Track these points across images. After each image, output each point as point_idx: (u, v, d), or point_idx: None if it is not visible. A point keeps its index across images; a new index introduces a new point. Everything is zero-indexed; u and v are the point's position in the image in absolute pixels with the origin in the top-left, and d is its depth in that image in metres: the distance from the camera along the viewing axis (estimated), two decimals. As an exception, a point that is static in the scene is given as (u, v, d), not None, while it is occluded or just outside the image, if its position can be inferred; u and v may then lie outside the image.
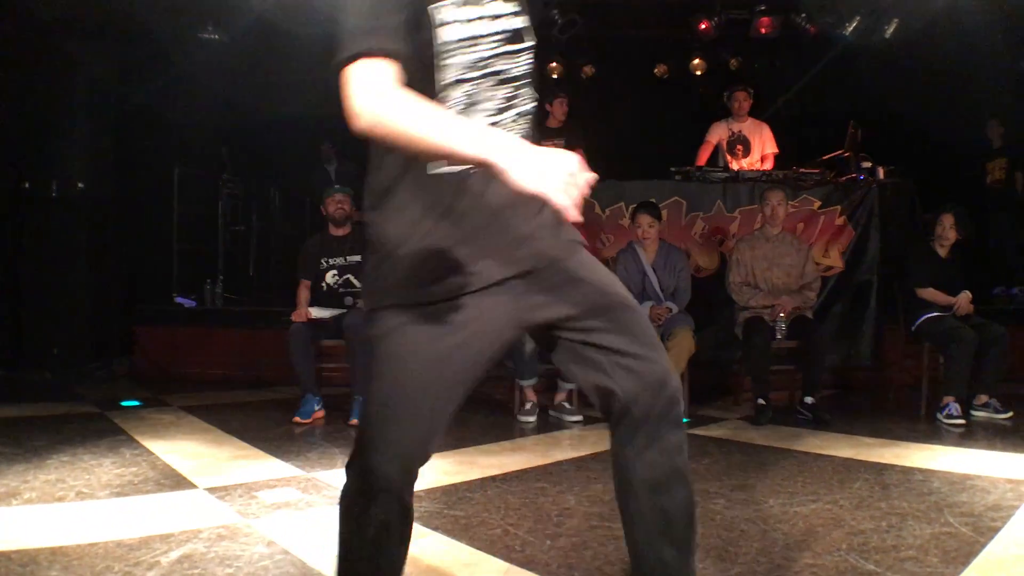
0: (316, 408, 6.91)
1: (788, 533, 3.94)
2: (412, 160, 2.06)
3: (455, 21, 2.03)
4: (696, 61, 12.36)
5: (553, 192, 1.73)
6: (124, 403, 7.45)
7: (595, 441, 6.19)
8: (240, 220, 11.59)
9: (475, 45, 2.06)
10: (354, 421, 6.72)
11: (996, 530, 3.88)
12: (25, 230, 9.44)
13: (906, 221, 8.52)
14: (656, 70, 12.69)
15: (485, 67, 2.09)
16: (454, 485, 4.82)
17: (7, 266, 9.36)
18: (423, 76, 2.01)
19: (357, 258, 7.17)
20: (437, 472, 5.08)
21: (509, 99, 2.17)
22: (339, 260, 7.15)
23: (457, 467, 5.26)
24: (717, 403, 7.82)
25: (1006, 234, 10.49)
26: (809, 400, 6.86)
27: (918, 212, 8.57)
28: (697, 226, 8.53)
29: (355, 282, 7.19)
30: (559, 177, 1.74)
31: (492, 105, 2.13)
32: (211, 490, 4.61)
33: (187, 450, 5.63)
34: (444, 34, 2.02)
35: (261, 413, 7.21)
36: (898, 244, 8.21)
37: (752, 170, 8.96)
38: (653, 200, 7.68)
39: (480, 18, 2.07)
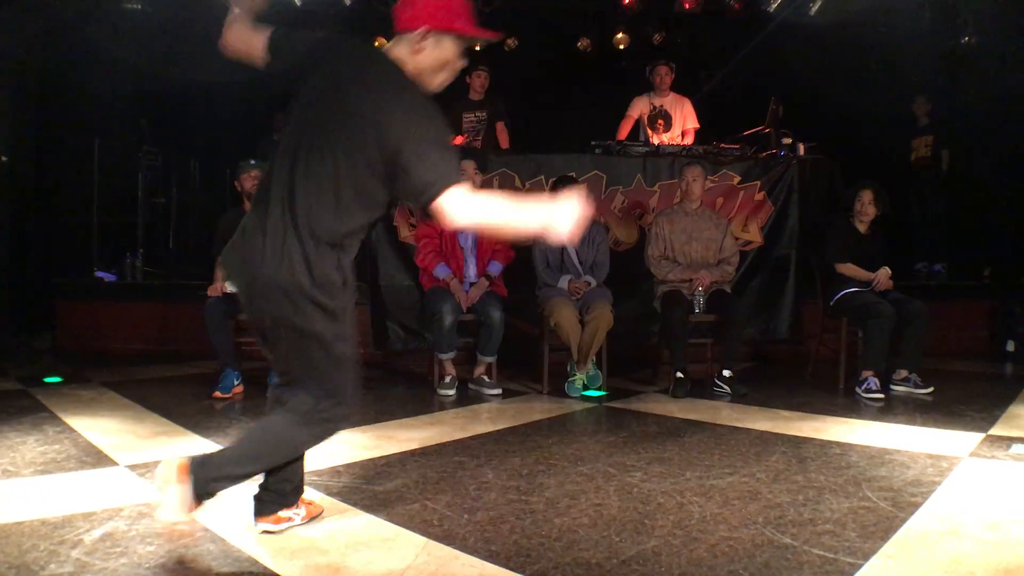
0: (236, 383, 6.75)
1: (704, 506, 3.89)
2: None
3: None
4: (619, 35, 12.33)
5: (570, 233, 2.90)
6: (46, 379, 7.26)
7: (513, 414, 6.14)
8: (160, 192, 11.29)
9: None
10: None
11: (916, 505, 3.85)
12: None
13: (825, 197, 8.52)
14: (579, 43, 12.61)
15: None
16: (372, 460, 4.78)
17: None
18: None
19: None
20: (356, 447, 5.04)
21: None
22: None
23: (376, 441, 5.22)
24: (635, 376, 7.77)
25: (929, 210, 10.56)
26: (727, 373, 6.85)
27: (838, 188, 8.57)
28: (617, 200, 8.45)
29: None
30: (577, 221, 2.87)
31: None
32: (132, 467, 4.54)
33: (108, 427, 5.51)
34: None
35: (181, 388, 7.05)
36: (817, 219, 8.22)
37: (672, 144, 8.92)
38: (572, 174, 7.64)
39: None
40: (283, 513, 3.49)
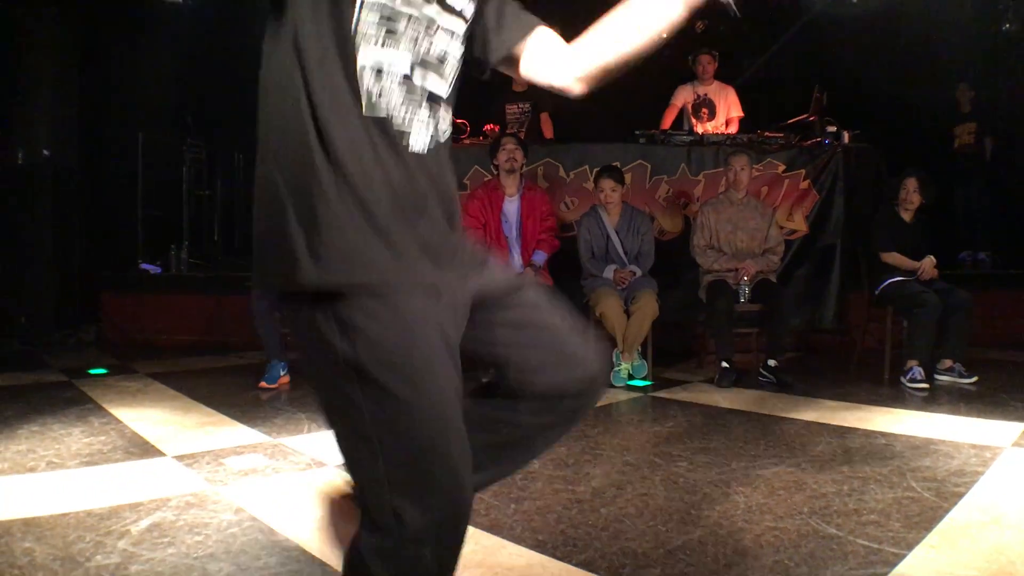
0: (282, 373, 6.84)
1: (750, 496, 3.92)
2: None
3: None
4: (662, 23, 12.25)
5: None
6: (92, 371, 7.37)
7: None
8: (205, 185, 11.40)
9: None
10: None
11: (960, 496, 3.86)
12: (-9, 199, 9.30)
13: (871, 185, 8.49)
14: (622, 32, 12.57)
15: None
16: None
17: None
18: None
19: None
20: None
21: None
22: None
23: None
24: (681, 366, 7.80)
25: (974, 199, 10.49)
26: (772, 363, 6.85)
27: (883, 176, 8.54)
28: (661, 189, 8.47)
29: None
30: None
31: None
32: (179, 458, 4.59)
33: (154, 418, 5.59)
34: None
35: (227, 379, 7.14)
36: (863, 208, 8.19)
37: (717, 134, 8.91)
38: (616, 164, 7.63)
39: None
40: None
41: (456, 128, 8.56)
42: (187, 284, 9.70)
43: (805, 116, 9.07)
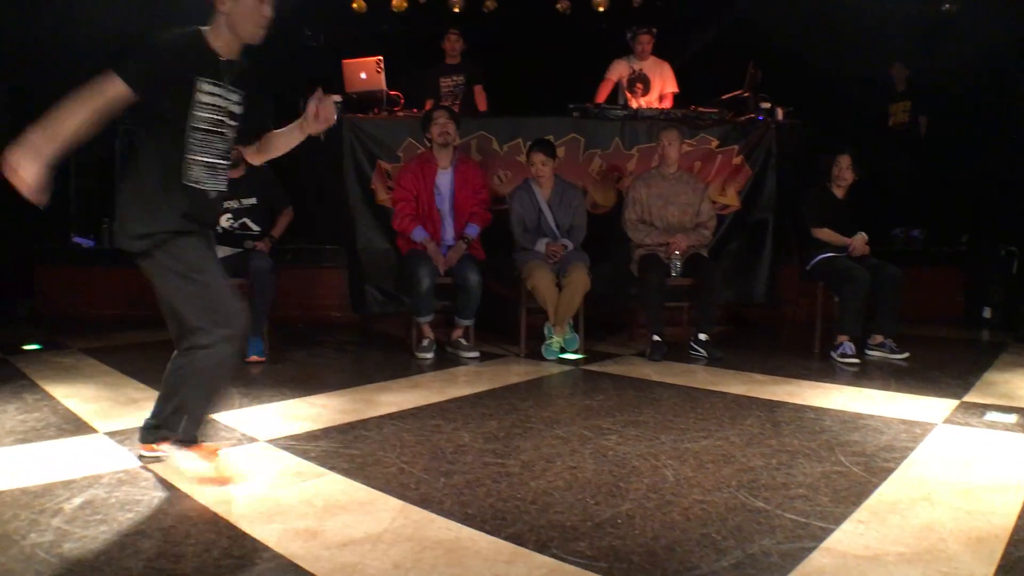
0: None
1: (679, 470, 3.91)
2: None
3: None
4: (599, -3, 12.22)
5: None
6: (25, 347, 7.23)
7: (491, 377, 6.17)
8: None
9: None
10: (252, 358, 6.66)
11: (889, 471, 3.87)
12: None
13: (803, 161, 8.50)
14: (558, 5, 12.49)
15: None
16: (350, 424, 4.81)
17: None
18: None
19: (253, 200, 6.95)
20: (333, 411, 5.09)
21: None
22: (233, 204, 6.84)
23: (353, 405, 5.25)
24: (612, 339, 7.82)
25: (907, 176, 10.57)
26: (703, 337, 6.89)
27: (815, 152, 8.57)
28: (595, 163, 8.42)
29: (252, 225, 6.96)
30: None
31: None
32: (111, 434, 4.54)
33: (88, 394, 5.51)
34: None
35: (159, 354, 6.90)
36: (795, 184, 8.20)
37: (651, 108, 8.86)
38: (548, 138, 7.55)
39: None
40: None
41: (390, 100, 8.49)
42: (120, 258, 9.37)
43: (739, 92, 9.07)
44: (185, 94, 3.38)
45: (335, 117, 3.70)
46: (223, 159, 3.64)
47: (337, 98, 3.31)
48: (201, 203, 3.61)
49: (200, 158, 3.53)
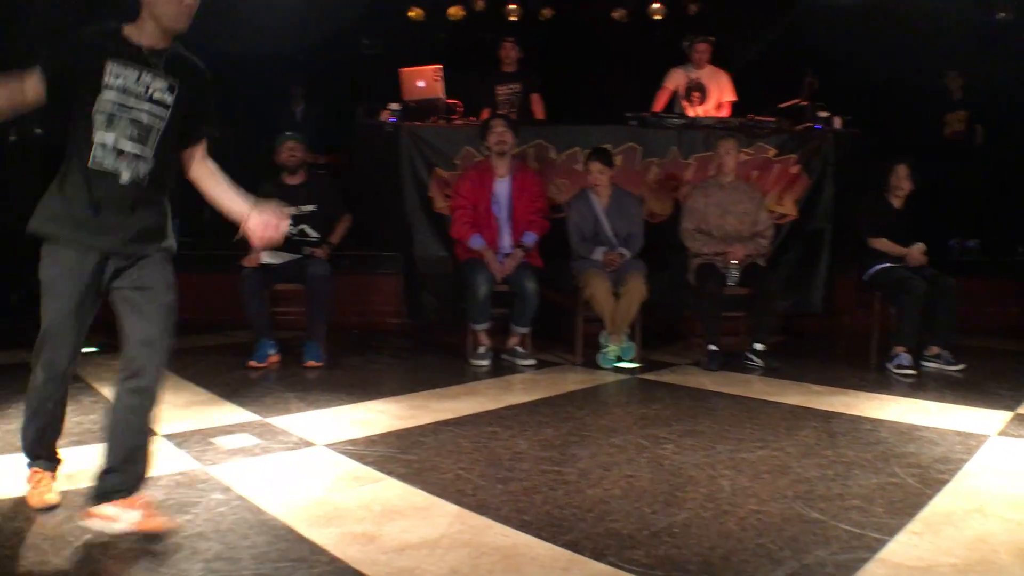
0: (271, 352, 6.83)
1: (735, 479, 3.94)
2: None
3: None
4: (655, 5, 12.22)
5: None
6: (83, 349, 7.27)
7: (547, 385, 6.20)
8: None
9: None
10: (310, 363, 6.75)
11: (943, 483, 3.89)
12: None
13: (860, 171, 8.48)
14: (615, 13, 12.52)
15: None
16: (407, 430, 4.84)
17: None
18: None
19: (312, 207, 7.04)
20: (391, 417, 5.11)
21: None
22: (292, 210, 6.64)
23: (410, 412, 5.27)
24: (668, 348, 7.82)
25: (964, 186, 10.49)
26: (759, 347, 6.88)
27: (873, 162, 8.54)
28: (652, 172, 8.46)
29: (310, 232, 7.05)
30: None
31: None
32: (169, 437, 4.58)
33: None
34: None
35: (217, 358, 7.10)
36: (852, 193, 8.18)
37: (708, 117, 8.89)
38: (606, 147, 7.62)
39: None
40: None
41: (449, 108, 8.56)
42: (177, 262, 9.55)
43: (797, 101, 9.06)
44: (95, 77, 3.25)
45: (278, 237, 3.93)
46: (141, 144, 3.37)
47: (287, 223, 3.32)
48: (111, 188, 3.35)
49: (108, 142, 3.30)
